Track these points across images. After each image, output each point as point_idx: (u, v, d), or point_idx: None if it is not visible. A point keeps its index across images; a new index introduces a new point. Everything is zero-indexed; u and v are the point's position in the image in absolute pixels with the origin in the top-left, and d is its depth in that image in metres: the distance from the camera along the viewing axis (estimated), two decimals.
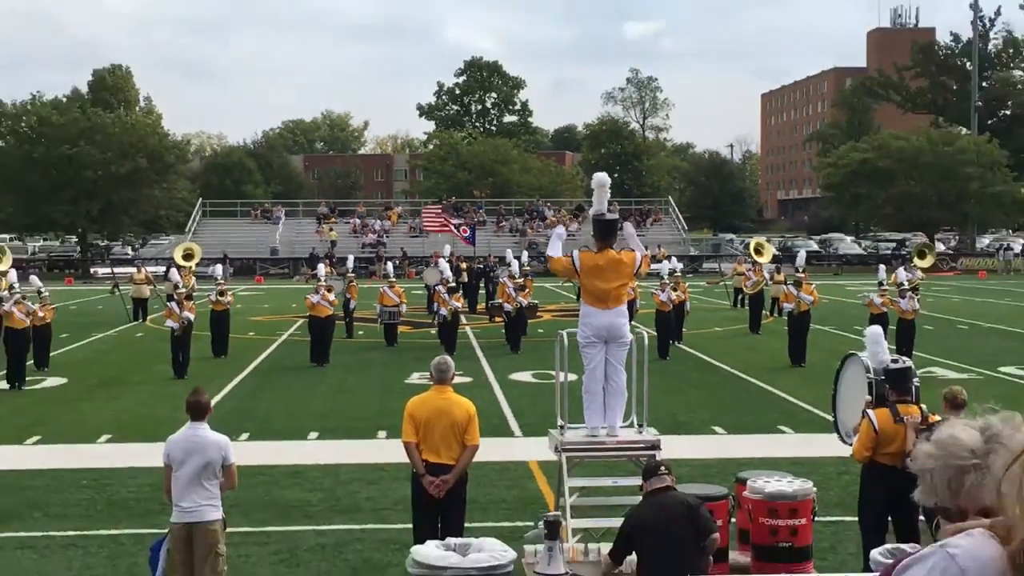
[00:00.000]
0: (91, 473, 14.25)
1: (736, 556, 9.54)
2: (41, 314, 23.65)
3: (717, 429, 16.87)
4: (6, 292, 23.81)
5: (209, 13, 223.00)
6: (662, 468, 8.32)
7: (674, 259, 34.80)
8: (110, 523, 11.99)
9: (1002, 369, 23.31)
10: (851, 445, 10.17)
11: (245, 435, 16.07)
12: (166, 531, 8.74)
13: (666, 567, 7.57)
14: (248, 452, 13.60)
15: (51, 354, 24.68)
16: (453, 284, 28.99)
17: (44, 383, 22.28)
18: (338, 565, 10.45)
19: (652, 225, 73.16)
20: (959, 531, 2.50)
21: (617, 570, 8.38)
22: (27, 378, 21.99)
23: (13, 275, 25.52)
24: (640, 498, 8.85)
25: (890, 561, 7.58)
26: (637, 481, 9.84)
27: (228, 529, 8.99)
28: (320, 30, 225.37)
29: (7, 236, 72.61)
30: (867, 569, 8.07)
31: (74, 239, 71.89)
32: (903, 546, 8.44)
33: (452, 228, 52.97)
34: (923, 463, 2.52)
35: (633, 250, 10.54)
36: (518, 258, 32.10)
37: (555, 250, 10.72)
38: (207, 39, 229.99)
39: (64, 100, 75.72)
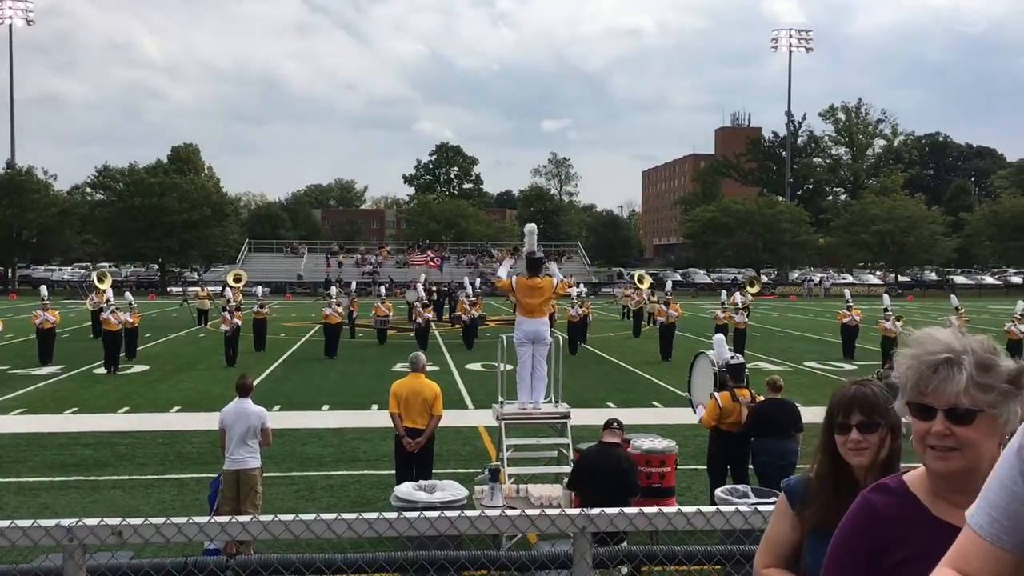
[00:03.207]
0: (165, 434, 14.00)
1: None
2: (131, 320, 23.16)
3: (610, 403, 16.90)
4: (104, 304, 23.30)
5: (251, 105, 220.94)
6: (615, 424, 7.91)
7: (581, 285, 34.96)
8: (179, 469, 11.77)
9: (806, 363, 23.63)
10: (701, 416, 10.25)
11: (277, 407, 15.85)
12: (219, 475, 8.60)
13: (594, 498, 7.05)
14: (279, 419, 13.44)
15: (138, 348, 24.18)
16: (426, 301, 28.88)
17: (132, 369, 21.82)
18: (342, 499, 10.31)
19: (566, 262, 73.46)
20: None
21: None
22: (120, 365, 21.57)
23: (110, 292, 24.88)
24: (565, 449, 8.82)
25: (731, 497, 7.65)
26: (556, 441, 9.85)
27: (264, 474, 8.87)
28: (331, 121, 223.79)
29: (107, 264, 71.08)
30: (713, 502, 8.10)
31: (156, 266, 70.67)
32: (738, 487, 8.50)
33: (427, 261, 52.86)
34: (902, 364, 1.79)
35: (551, 276, 10.49)
36: (472, 284, 31.97)
37: (503, 273, 10.64)
38: (251, 125, 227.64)
39: (152, 167, 74.39)
